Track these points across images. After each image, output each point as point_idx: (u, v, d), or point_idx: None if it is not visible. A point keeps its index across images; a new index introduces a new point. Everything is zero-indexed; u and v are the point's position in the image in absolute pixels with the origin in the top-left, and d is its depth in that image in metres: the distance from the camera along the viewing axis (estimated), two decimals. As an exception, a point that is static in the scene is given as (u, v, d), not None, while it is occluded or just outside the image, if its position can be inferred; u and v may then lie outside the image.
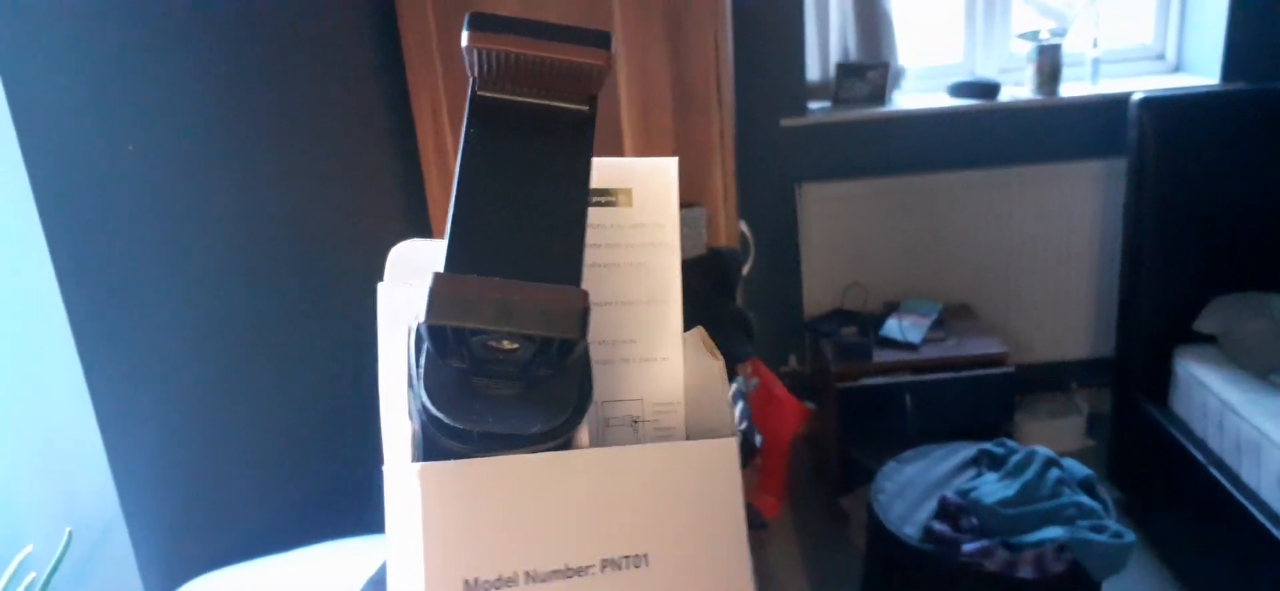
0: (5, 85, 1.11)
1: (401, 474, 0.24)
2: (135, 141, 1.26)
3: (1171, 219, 2.50)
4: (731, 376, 1.79)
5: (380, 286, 0.27)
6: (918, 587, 1.95)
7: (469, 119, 0.27)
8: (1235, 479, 2.18)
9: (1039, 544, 1.81)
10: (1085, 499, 1.93)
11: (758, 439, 1.71)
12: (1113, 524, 1.86)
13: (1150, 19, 2.90)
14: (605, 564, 0.25)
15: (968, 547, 1.83)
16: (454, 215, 0.25)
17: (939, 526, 1.90)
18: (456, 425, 0.24)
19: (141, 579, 1.30)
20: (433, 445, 0.25)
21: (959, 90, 2.79)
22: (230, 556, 1.29)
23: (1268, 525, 2.02)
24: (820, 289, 2.91)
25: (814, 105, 2.83)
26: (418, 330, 0.24)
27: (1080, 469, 2.02)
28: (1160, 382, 2.53)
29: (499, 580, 0.24)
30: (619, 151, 1.85)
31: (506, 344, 0.23)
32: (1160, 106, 2.47)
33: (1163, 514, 2.49)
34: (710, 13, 1.81)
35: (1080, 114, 2.79)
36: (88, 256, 1.22)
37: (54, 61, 1.18)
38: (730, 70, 1.87)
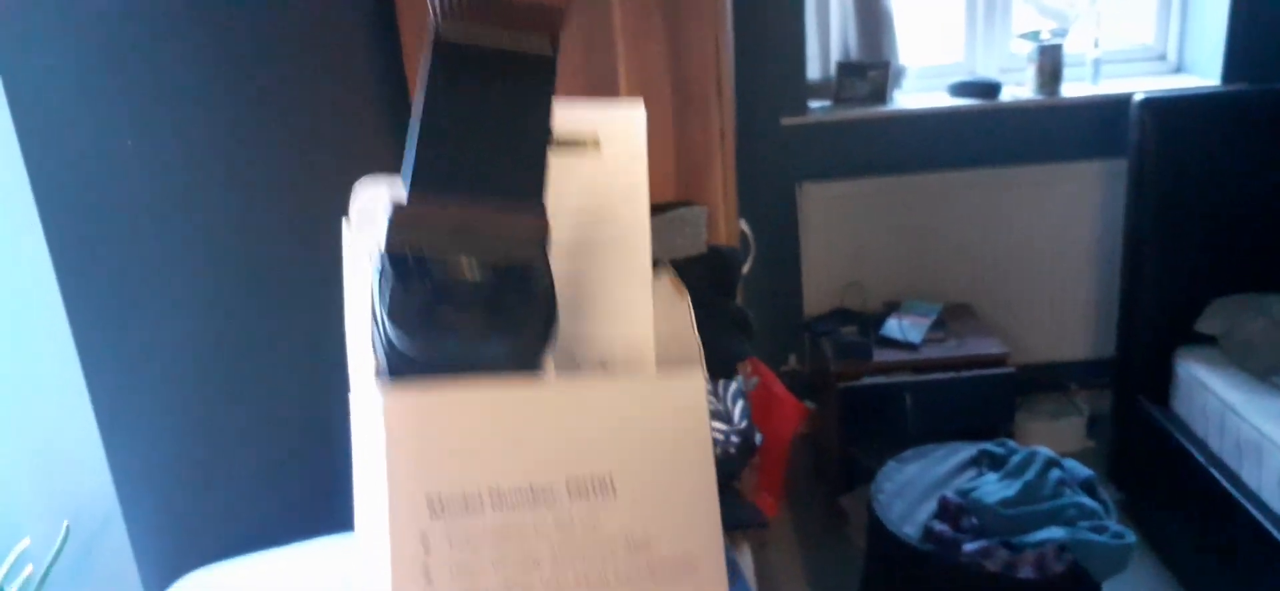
0: (5, 83, 1.10)
1: (366, 394, 0.24)
2: (134, 138, 1.26)
3: (1172, 219, 2.50)
4: (731, 375, 1.79)
5: (344, 223, 0.27)
6: (918, 587, 1.95)
7: (432, 60, 0.26)
8: (1236, 480, 2.17)
9: (1040, 544, 1.80)
10: (1086, 499, 1.92)
11: (757, 437, 1.71)
12: (1114, 524, 1.86)
13: (1151, 19, 2.89)
14: (572, 486, 0.24)
15: (968, 547, 1.82)
16: (417, 150, 0.24)
17: (939, 526, 1.89)
18: (419, 354, 0.23)
19: (139, 572, 1.29)
20: (398, 376, 0.25)
21: (960, 90, 2.79)
22: (227, 550, 1.29)
23: (1268, 526, 2.01)
24: (820, 288, 2.90)
25: (814, 104, 2.82)
26: (381, 261, 0.24)
27: (1081, 469, 2.02)
28: (1161, 383, 2.52)
29: (464, 498, 0.23)
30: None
31: (468, 271, 0.23)
32: (1161, 107, 2.47)
33: (1163, 515, 2.48)
34: (710, 11, 1.80)
35: (1081, 114, 2.79)
36: (86, 252, 1.22)
37: (52, 58, 1.18)
38: (730, 68, 1.86)
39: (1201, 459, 2.28)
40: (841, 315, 2.83)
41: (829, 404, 2.62)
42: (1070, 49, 2.77)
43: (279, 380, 1.51)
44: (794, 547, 2.60)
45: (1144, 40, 2.92)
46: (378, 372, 0.24)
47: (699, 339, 0.28)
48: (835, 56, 2.84)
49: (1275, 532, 1.99)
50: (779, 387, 2.43)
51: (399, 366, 0.24)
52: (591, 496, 0.24)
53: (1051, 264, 2.89)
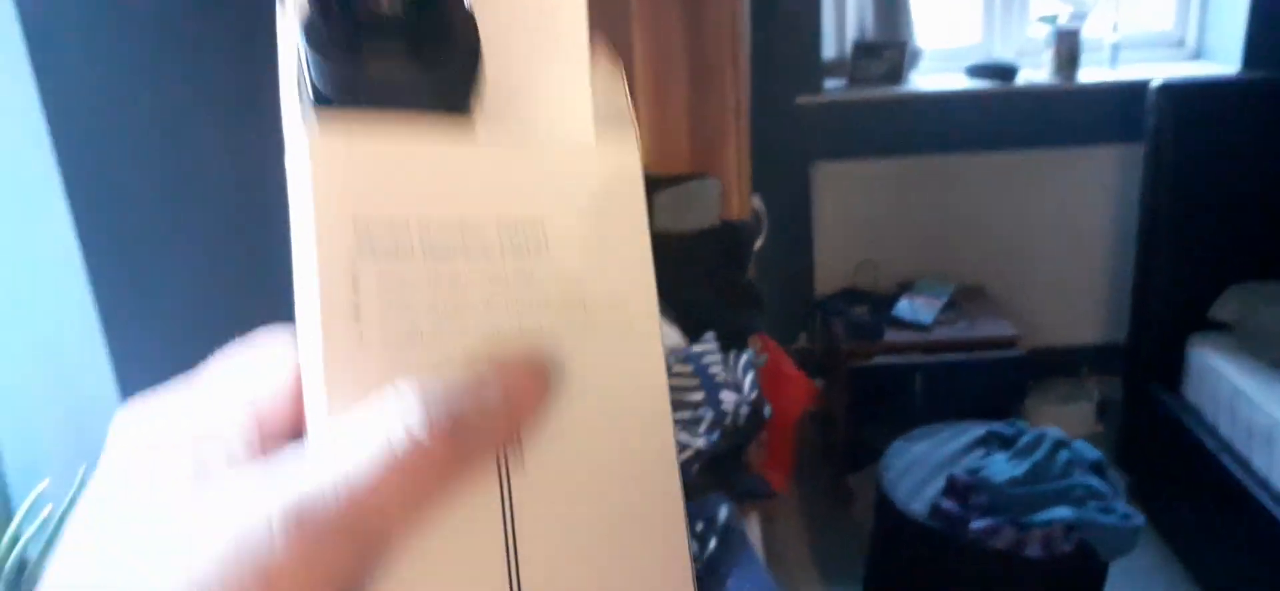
0: (30, 47, 1.11)
1: (293, 133, 0.24)
2: (155, 105, 1.27)
3: (1188, 205, 2.48)
4: (742, 347, 1.79)
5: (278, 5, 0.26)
6: (924, 564, 1.95)
7: None
8: (1246, 466, 2.17)
9: (1047, 523, 1.80)
10: (1095, 481, 1.92)
11: (767, 409, 1.71)
12: (1122, 506, 1.85)
13: (1171, 5, 2.87)
14: (503, 229, 0.24)
15: (975, 525, 1.83)
16: None
17: (947, 503, 1.89)
18: (341, 90, 0.23)
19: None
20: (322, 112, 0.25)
21: (976, 72, 2.78)
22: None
23: (1277, 513, 2.01)
24: (832, 267, 2.90)
25: (830, 83, 2.81)
26: (301, 4, 0.24)
27: (1090, 451, 2.01)
28: (1173, 369, 2.51)
29: (391, 228, 0.23)
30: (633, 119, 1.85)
31: (386, 4, 0.23)
32: (1179, 93, 2.45)
33: (1170, 500, 2.48)
34: (728, -17, 1.80)
35: (1098, 99, 2.77)
36: (104, 201, 1.23)
37: (78, 16, 1.19)
38: (746, 40, 1.86)
39: (1211, 445, 2.27)
40: (853, 295, 2.83)
41: (838, 383, 2.62)
42: (1088, 33, 2.75)
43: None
44: (800, 526, 2.60)
45: (1163, 26, 2.90)
46: (304, 113, 0.24)
47: (634, 115, 0.28)
48: (851, 36, 2.83)
49: (1284, 518, 1.99)
50: (788, 366, 2.43)
51: (323, 104, 0.24)
52: (524, 246, 0.24)
53: (1065, 248, 2.88)
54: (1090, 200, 2.83)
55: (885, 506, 1.98)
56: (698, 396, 1.57)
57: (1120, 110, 2.73)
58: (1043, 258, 2.89)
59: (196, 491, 0.21)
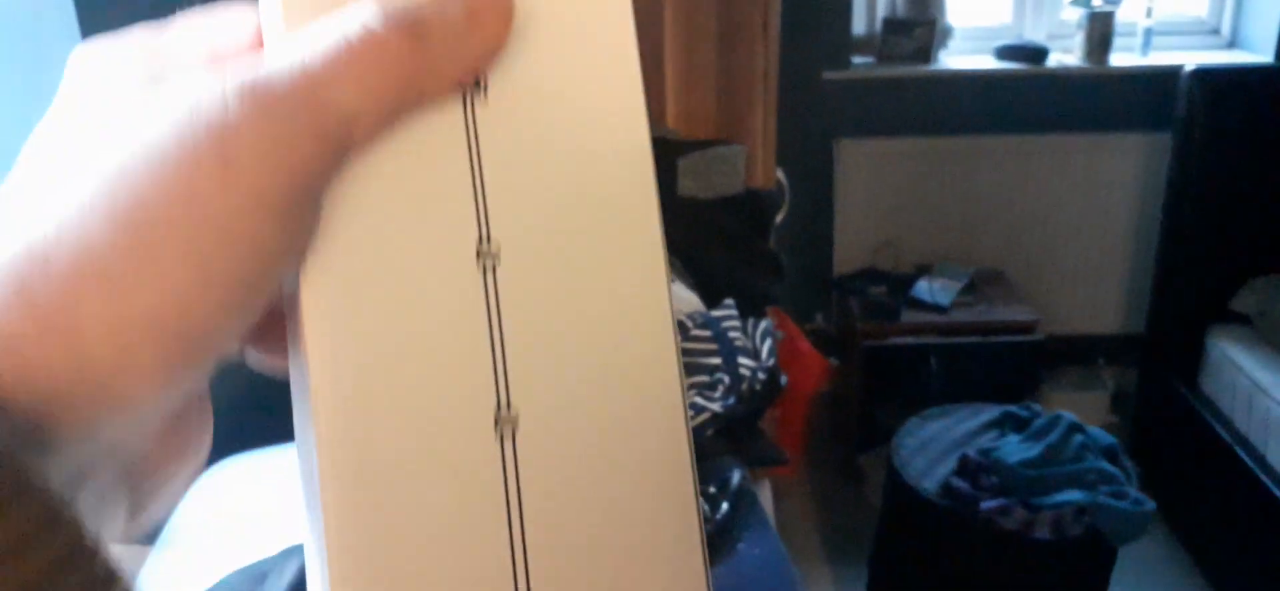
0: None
1: None
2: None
3: (1215, 195, 2.46)
4: (760, 315, 1.79)
5: None
6: (933, 542, 1.96)
7: None
8: (1261, 460, 2.16)
9: (1058, 505, 1.80)
10: (1107, 465, 1.92)
11: (783, 379, 1.71)
12: (1133, 491, 1.85)
13: (1207, -8, 2.83)
14: None
15: (986, 505, 1.83)
16: None
17: (959, 482, 1.90)
18: None
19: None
20: None
21: (1006, 53, 2.75)
22: (267, 439, 1.32)
23: (1291, 506, 2.00)
24: (852, 246, 2.89)
25: (857, 59, 2.79)
26: None
27: (1104, 436, 2.01)
28: (1191, 360, 2.50)
29: None
30: (661, 84, 1.84)
31: None
32: (1212, 80, 2.42)
33: (1182, 490, 2.47)
34: (760, -51, 1.79)
35: (1128, 84, 2.74)
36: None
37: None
38: (778, 6, 1.85)
39: (1227, 437, 2.26)
40: (872, 274, 2.81)
41: (853, 362, 2.62)
42: (1122, 17, 2.72)
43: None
44: (810, 504, 2.61)
45: (1197, 13, 2.85)
46: None
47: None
48: (881, 12, 2.81)
49: (1298, 513, 1.99)
50: (803, 343, 2.43)
51: None
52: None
53: (1088, 236, 2.86)
54: (1115, 188, 2.81)
55: (896, 483, 1.99)
56: (715, 360, 1.58)
57: (1150, 97, 2.69)
58: (1064, 244, 2.87)
59: (150, 91, 0.21)
